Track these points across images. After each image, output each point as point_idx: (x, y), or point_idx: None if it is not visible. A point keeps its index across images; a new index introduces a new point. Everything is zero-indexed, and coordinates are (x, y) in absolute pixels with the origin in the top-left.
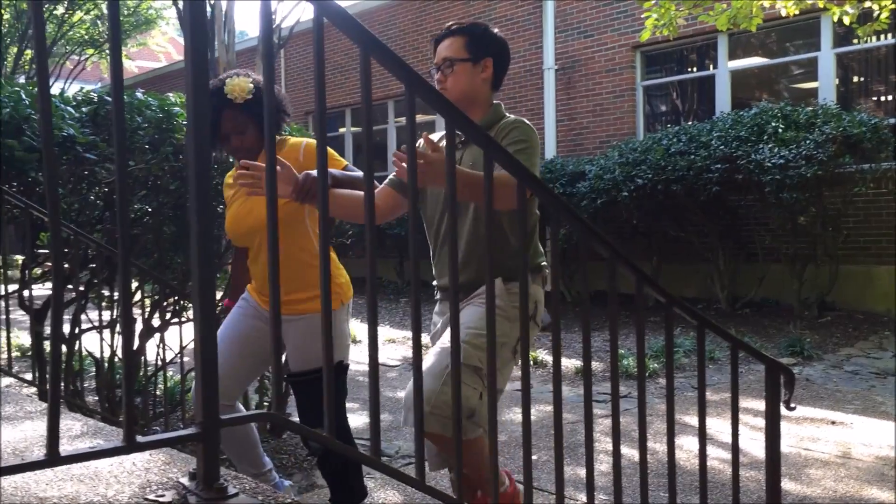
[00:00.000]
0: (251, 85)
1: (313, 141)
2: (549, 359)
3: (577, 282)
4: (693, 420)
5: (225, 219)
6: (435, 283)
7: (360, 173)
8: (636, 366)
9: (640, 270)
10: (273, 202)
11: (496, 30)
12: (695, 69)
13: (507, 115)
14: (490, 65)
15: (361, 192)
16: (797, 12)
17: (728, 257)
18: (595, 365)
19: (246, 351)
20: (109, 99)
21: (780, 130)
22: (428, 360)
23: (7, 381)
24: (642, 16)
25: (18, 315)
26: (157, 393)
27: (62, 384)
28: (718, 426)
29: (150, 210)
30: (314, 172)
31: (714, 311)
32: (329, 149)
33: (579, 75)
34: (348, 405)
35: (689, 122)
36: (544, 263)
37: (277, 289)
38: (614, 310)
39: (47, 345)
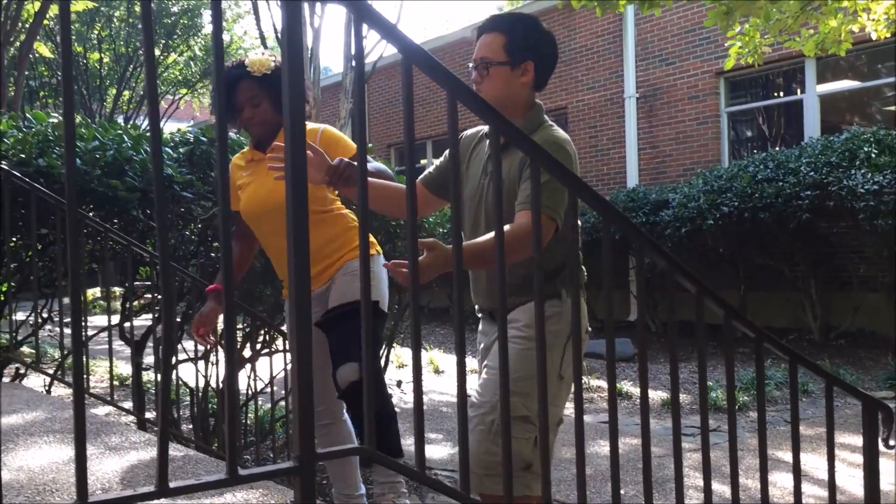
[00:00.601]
0: (272, 63)
1: (330, 128)
2: (633, 390)
3: (662, 312)
4: (786, 455)
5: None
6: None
7: (381, 165)
8: (725, 398)
9: (727, 305)
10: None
11: (543, 26)
12: (781, 94)
13: (547, 121)
14: (531, 68)
15: (394, 184)
16: (888, 35)
17: (820, 286)
18: (682, 397)
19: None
20: (205, 139)
21: (873, 155)
22: (472, 410)
23: (106, 409)
24: (726, 44)
25: (116, 345)
26: (248, 423)
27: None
28: (813, 462)
29: None
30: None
31: (806, 342)
32: (342, 136)
33: (661, 103)
34: (432, 435)
35: (777, 149)
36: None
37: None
38: (702, 343)
39: (146, 375)
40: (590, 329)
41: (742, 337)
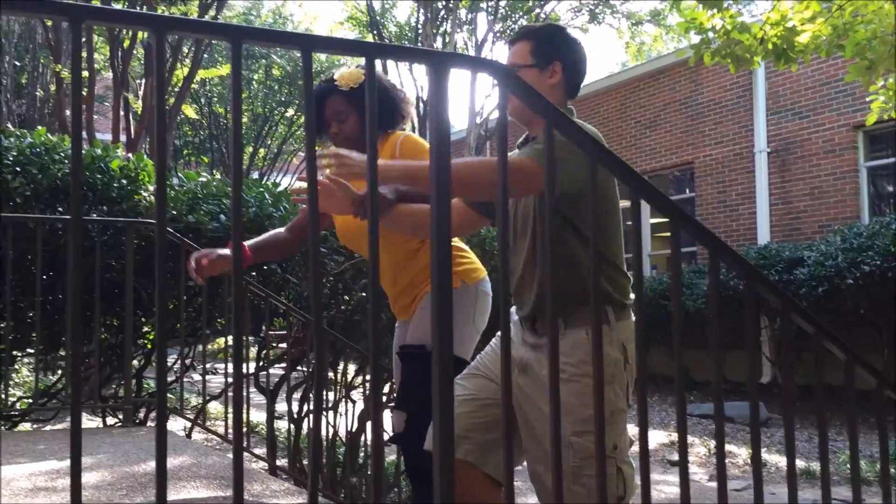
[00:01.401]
0: (362, 75)
1: (411, 135)
2: (766, 457)
3: (803, 374)
4: None
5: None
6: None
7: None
8: (872, 470)
9: (878, 372)
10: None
11: (571, 32)
12: None
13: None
14: (559, 69)
15: (425, 206)
16: None
17: None
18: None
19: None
20: None
21: None
22: (531, 453)
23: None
24: (867, 98)
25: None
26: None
27: (292, 461)
28: None
29: (364, 296)
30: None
31: None
32: (424, 144)
33: (794, 157)
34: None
35: None
36: (629, 300)
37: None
38: (854, 411)
39: (279, 423)
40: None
41: (889, 403)
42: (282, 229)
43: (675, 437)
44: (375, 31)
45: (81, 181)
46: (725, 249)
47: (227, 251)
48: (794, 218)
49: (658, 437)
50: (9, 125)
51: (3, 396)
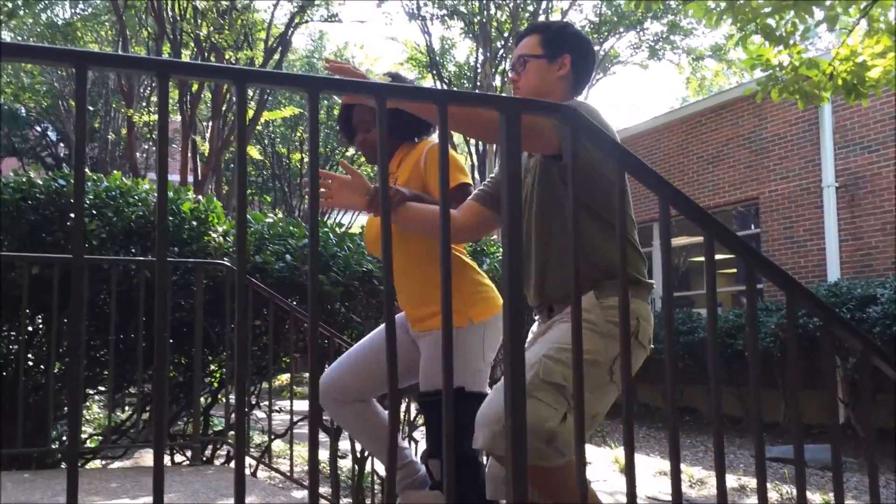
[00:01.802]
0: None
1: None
2: (817, 498)
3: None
4: None
5: None
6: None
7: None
8: None
9: None
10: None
11: (578, 27)
12: None
13: None
14: (568, 62)
15: (431, 207)
16: None
17: None
18: None
19: (381, 357)
20: None
21: None
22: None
23: (302, 493)
24: None
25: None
26: None
27: (355, 500)
28: None
29: None
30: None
31: None
32: (454, 156)
33: (865, 192)
34: None
35: None
36: (649, 281)
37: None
38: None
39: (341, 462)
40: (652, 346)
41: None
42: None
43: (744, 480)
44: (435, 72)
45: (156, 223)
46: (802, 291)
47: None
48: (866, 254)
49: (727, 482)
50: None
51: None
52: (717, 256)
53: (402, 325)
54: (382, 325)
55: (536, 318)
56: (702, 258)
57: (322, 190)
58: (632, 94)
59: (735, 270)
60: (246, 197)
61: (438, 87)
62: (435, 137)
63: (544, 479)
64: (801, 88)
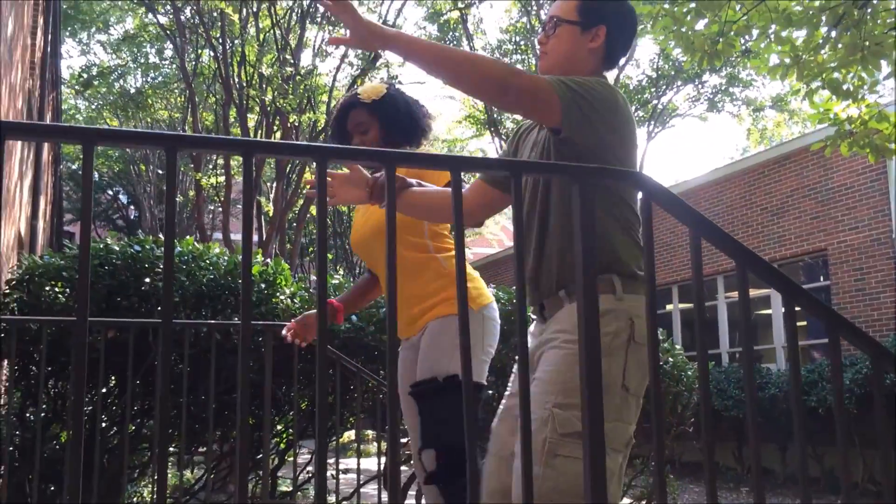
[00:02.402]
0: (385, 89)
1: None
2: None
3: None
4: None
5: None
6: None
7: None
8: None
9: None
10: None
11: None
12: None
13: None
14: (602, 34)
15: (440, 189)
16: None
17: None
18: None
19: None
20: None
21: None
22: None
23: None
24: None
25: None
26: None
27: None
28: None
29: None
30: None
31: None
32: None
33: None
34: None
35: None
36: (639, 272)
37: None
38: None
39: None
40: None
41: None
42: (365, 275)
43: None
44: (493, 129)
45: (227, 286)
46: (886, 355)
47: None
48: None
49: None
50: (151, 233)
51: (147, 495)
52: (784, 309)
53: (407, 347)
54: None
55: (534, 317)
56: (768, 311)
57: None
58: (690, 146)
59: (805, 323)
60: (326, 274)
61: (496, 144)
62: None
63: None
64: (871, 142)
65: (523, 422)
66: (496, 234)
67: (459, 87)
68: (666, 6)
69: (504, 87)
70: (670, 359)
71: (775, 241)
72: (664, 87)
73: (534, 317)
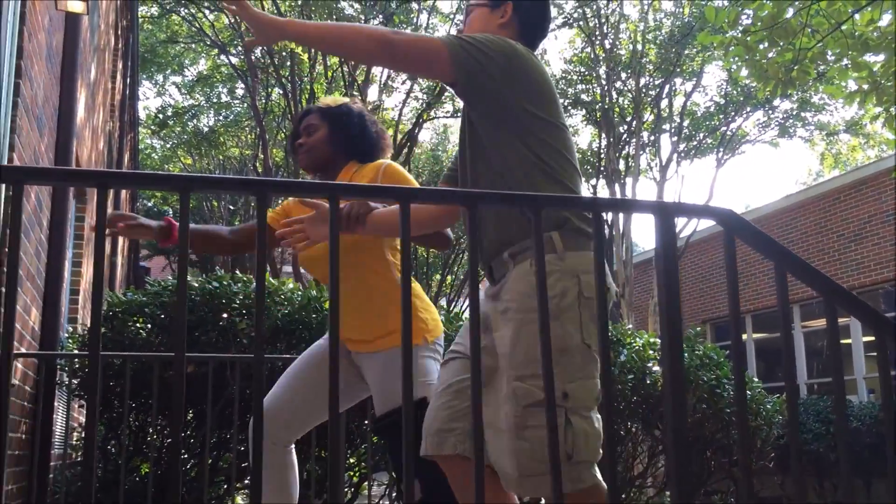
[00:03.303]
0: (343, 101)
1: (394, 164)
2: None
3: None
4: None
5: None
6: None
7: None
8: None
9: None
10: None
11: None
12: None
13: None
14: (510, 9)
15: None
16: None
17: None
18: None
19: (320, 389)
20: None
21: None
22: (485, 414)
23: None
24: None
25: None
26: None
27: None
28: None
29: None
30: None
31: None
32: (405, 173)
33: None
34: None
35: None
36: (582, 226)
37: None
38: None
39: None
40: (611, 288)
41: None
42: (227, 228)
43: None
44: None
45: (301, 321)
46: None
47: (154, 222)
48: None
49: None
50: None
51: None
52: (864, 339)
53: (346, 354)
54: (314, 346)
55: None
56: (848, 340)
57: (296, 236)
58: (760, 172)
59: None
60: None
61: None
62: (387, 159)
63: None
64: None
65: (474, 375)
66: None
67: (352, 56)
68: (738, 35)
69: (390, 43)
70: (748, 392)
71: (853, 269)
72: (733, 113)
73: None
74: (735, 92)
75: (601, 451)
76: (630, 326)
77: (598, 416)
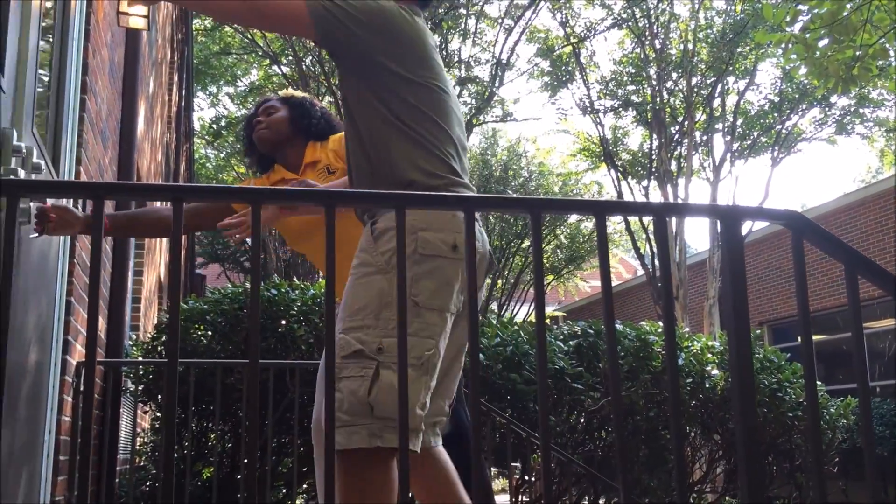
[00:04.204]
0: (305, 96)
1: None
2: None
3: None
4: None
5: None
6: None
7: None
8: None
9: None
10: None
11: None
12: None
13: None
14: None
15: (341, 180)
16: None
17: None
18: None
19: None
20: (591, 331)
21: None
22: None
23: None
24: None
25: None
26: None
27: None
28: None
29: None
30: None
31: None
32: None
33: None
34: None
35: None
36: (430, 181)
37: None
38: None
39: None
40: (457, 245)
41: None
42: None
43: None
44: (608, 161)
45: None
46: None
47: (82, 213)
48: None
49: None
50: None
51: None
52: None
53: None
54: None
55: None
56: None
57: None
58: (816, 170)
59: None
60: (478, 322)
61: (612, 176)
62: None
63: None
64: None
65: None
66: (614, 266)
67: (221, 17)
68: (797, 33)
69: (256, 3)
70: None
71: None
72: (788, 111)
73: None
74: (790, 89)
75: (419, 416)
76: (687, 329)
77: (421, 375)
